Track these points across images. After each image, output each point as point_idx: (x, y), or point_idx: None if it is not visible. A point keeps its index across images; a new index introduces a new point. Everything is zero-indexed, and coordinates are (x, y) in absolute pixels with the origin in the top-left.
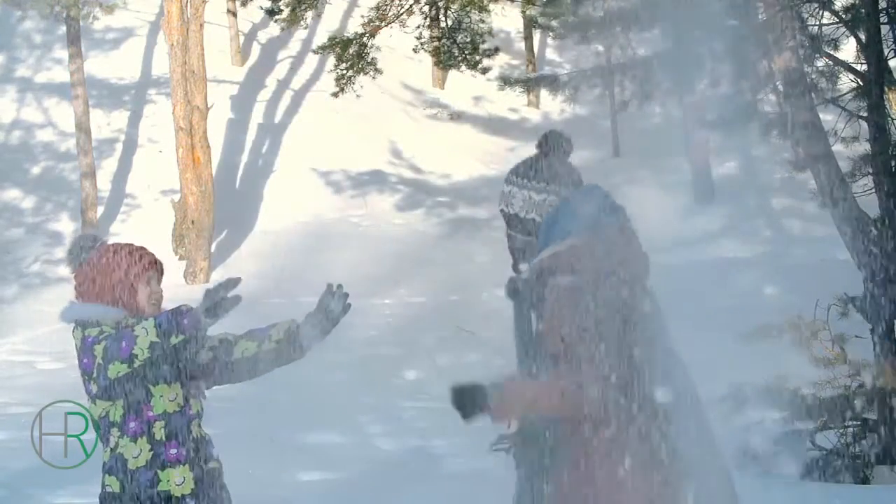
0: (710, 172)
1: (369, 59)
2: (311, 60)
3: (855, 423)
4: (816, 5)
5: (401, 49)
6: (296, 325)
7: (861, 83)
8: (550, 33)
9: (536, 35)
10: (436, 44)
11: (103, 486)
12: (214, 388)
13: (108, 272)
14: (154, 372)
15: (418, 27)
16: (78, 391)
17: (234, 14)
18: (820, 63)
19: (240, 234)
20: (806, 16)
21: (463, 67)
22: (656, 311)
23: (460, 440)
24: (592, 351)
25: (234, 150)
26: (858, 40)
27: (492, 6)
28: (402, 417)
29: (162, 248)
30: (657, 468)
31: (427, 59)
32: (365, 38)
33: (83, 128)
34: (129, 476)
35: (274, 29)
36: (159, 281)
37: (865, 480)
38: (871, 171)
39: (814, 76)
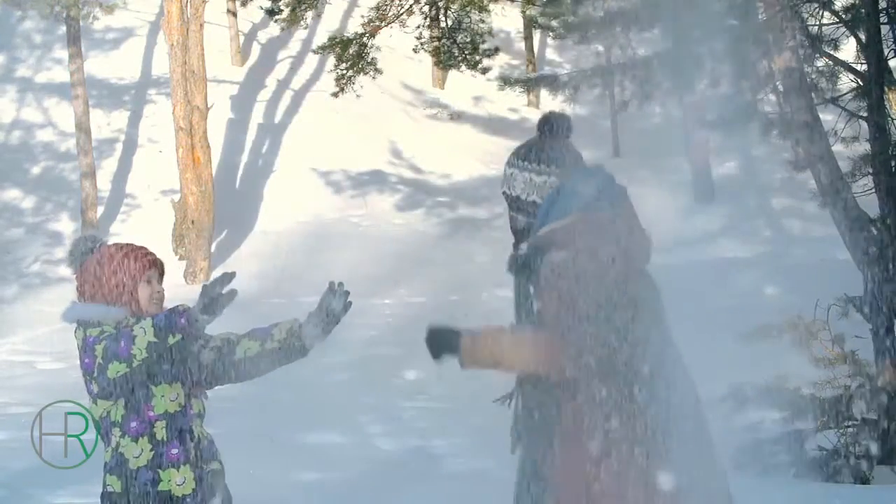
0: (710, 172)
1: (369, 59)
2: (311, 60)
3: (855, 423)
4: (816, 5)
5: (401, 49)
6: (298, 324)
7: (861, 83)
8: (550, 33)
9: (536, 35)
10: (436, 44)
11: (104, 485)
12: (216, 387)
13: (109, 272)
14: (153, 371)
15: (418, 27)
16: (78, 391)
17: (234, 14)
18: (820, 63)
19: (240, 234)
20: (806, 16)
21: (463, 67)
22: (652, 295)
23: (460, 440)
24: (577, 323)
25: (234, 150)
26: (858, 40)
27: (492, 6)
28: (402, 417)
29: (162, 248)
30: (641, 442)
31: (427, 59)
32: (365, 38)
33: (83, 128)
34: (129, 476)
35: (274, 29)
36: (160, 280)
37: (865, 480)
38: (870, 170)
39: (814, 76)
